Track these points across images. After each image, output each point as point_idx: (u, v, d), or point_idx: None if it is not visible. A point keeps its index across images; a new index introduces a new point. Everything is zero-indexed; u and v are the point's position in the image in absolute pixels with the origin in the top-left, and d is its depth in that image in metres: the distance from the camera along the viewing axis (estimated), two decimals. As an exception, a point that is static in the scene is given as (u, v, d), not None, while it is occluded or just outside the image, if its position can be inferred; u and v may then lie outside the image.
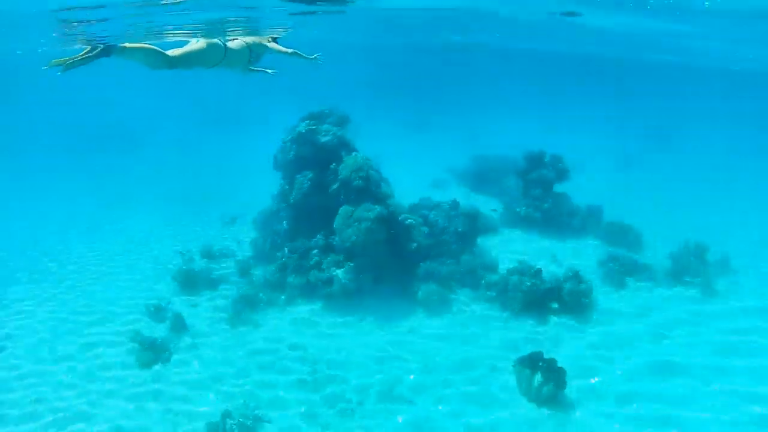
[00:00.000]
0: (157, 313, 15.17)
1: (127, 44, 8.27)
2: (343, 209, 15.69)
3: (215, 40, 9.94)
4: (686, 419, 11.70)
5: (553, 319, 15.55)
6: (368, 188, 15.95)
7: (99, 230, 23.64)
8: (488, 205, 24.10)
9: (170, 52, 9.01)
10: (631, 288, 17.66)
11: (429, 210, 19.06)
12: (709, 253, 18.92)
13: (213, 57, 9.95)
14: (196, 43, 9.62)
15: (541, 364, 12.48)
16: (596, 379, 13.01)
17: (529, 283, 15.67)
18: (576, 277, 16.23)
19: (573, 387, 12.35)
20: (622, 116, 51.23)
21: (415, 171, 29.70)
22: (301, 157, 17.46)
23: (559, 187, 22.24)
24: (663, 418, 11.72)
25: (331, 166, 16.82)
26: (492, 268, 17.77)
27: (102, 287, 17.69)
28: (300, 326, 14.81)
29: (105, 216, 25.50)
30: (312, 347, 13.84)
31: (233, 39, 10.65)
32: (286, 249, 16.50)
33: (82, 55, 7.73)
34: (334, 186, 16.45)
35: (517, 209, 21.90)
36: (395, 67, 63.76)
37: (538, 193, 21.78)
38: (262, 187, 21.33)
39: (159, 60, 8.76)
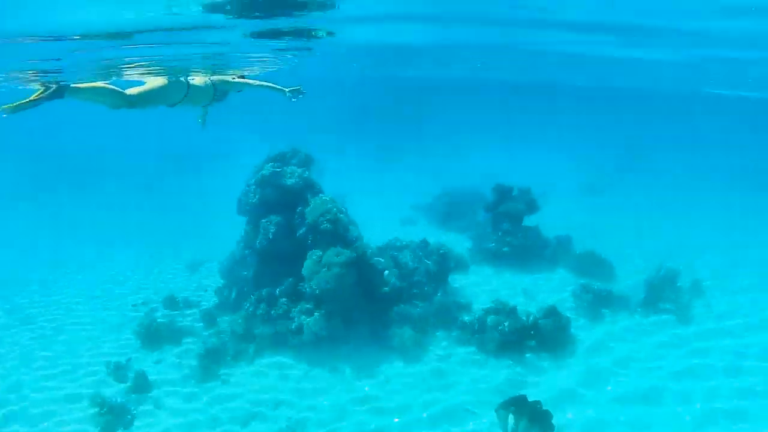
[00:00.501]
0: (117, 371, 14.28)
1: (81, 84, 7.92)
2: (312, 254, 15.14)
3: (177, 78, 9.62)
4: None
5: (532, 357, 15.16)
6: (337, 231, 15.42)
7: (61, 277, 22.56)
8: (458, 242, 23.82)
9: (129, 91, 8.64)
10: (607, 319, 17.48)
11: (398, 251, 18.60)
12: (680, 278, 18.91)
13: (175, 95, 9.61)
14: (157, 81, 9.29)
15: (524, 408, 12.02)
16: (583, 414, 12.63)
17: (506, 323, 15.25)
18: (552, 312, 15.88)
19: (559, 427, 11.91)
20: (584, 143, 51.52)
21: (383, 208, 29.37)
22: (266, 201, 16.91)
23: (528, 220, 21.95)
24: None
25: (298, 210, 16.30)
26: (466, 307, 17.38)
27: (65, 339, 16.85)
28: (271, 380, 14.12)
29: (67, 260, 24.49)
30: (284, 403, 13.20)
31: (196, 77, 10.32)
32: (252, 298, 15.85)
33: (34, 97, 7.33)
34: (302, 230, 15.92)
35: (487, 245, 21.54)
36: (359, 101, 63.68)
37: (508, 228, 21.49)
38: (227, 229, 20.64)
39: (117, 100, 8.40)
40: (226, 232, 21.12)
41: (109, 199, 35.20)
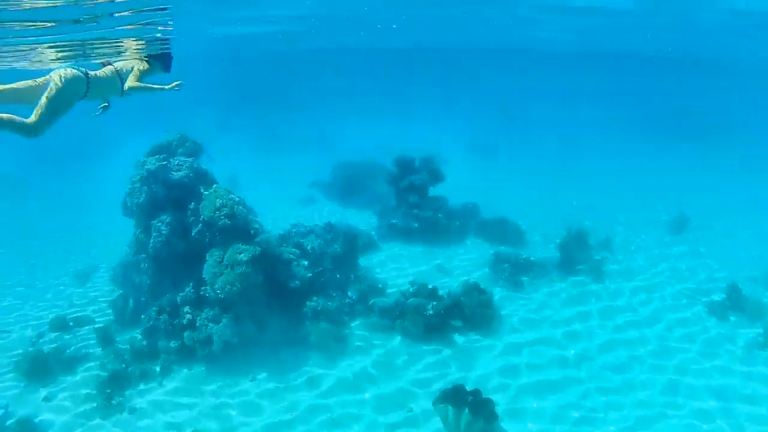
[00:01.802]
0: None
1: None
2: (211, 255, 13.71)
3: (74, 71, 8.27)
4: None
5: (459, 338, 14.47)
6: (236, 226, 14.00)
7: None
8: (363, 219, 22.86)
9: (28, 120, 7.58)
10: (528, 287, 17.27)
11: (303, 237, 17.40)
12: (591, 237, 18.70)
13: (76, 93, 8.34)
14: (50, 86, 7.99)
15: (464, 399, 11.21)
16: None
17: (427, 305, 14.38)
18: (474, 288, 15.16)
19: (501, 413, 11.23)
20: (467, 105, 51.40)
21: (279, 189, 28.03)
22: (154, 199, 15.20)
23: (433, 190, 21.14)
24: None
25: (191, 206, 14.71)
26: (381, 291, 16.46)
27: None
28: (184, 399, 12.66)
29: None
30: (204, 424, 11.83)
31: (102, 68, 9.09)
32: (152, 309, 14.27)
33: None
34: (197, 228, 14.40)
35: (394, 221, 20.59)
36: (237, 80, 61.15)
37: (414, 201, 20.56)
38: (115, 231, 18.81)
39: (20, 132, 7.56)
40: (115, 235, 19.33)
41: None
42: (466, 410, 10.92)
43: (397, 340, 14.38)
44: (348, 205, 25.90)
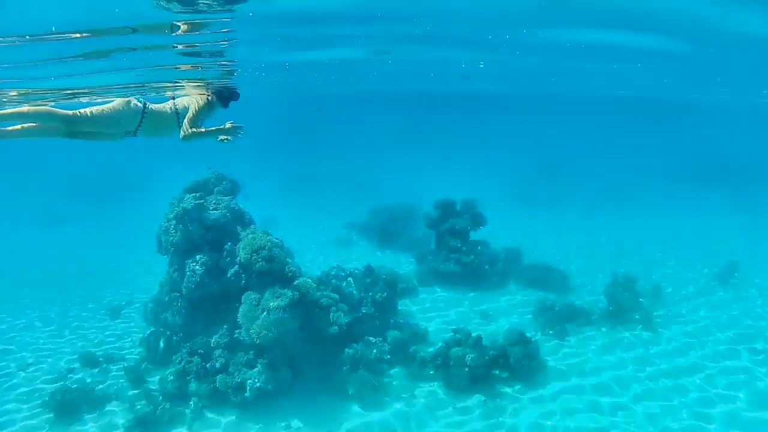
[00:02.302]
0: None
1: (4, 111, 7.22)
2: (247, 298, 13.18)
3: (130, 100, 7.98)
4: None
5: (505, 390, 13.66)
6: (273, 269, 13.48)
7: None
8: (401, 263, 22.28)
9: (68, 111, 7.58)
10: (574, 337, 16.42)
11: (341, 280, 16.79)
12: (638, 284, 17.91)
13: (127, 122, 7.99)
14: (107, 105, 7.89)
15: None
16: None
17: (471, 355, 13.62)
18: (519, 338, 14.39)
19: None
20: (505, 152, 50.80)
21: (315, 230, 27.54)
22: (190, 238, 14.79)
23: (474, 235, 20.50)
24: None
25: (227, 246, 14.25)
26: (422, 338, 15.81)
27: None
28: (213, 449, 12.06)
29: None
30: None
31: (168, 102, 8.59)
32: (184, 350, 13.72)
33: None
34: (233, 270, 13.92)
35: (435, 265, 19.95)
36: (275, 121, 61.28)
37: (455, 245, 19.91)
38: (151, 266, 18.35)
39: (55, 121, 7.52)
40: (149, 270, 18.90)
41: (12, 243, 31.32)
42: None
43: (440, 391, 13.63)
44: (385, 248, 25.35)
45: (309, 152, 54.02)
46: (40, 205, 37.38)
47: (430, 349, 14.94)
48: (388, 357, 14.56)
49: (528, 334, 14.83)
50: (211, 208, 14.96)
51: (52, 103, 8.33)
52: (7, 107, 7.47)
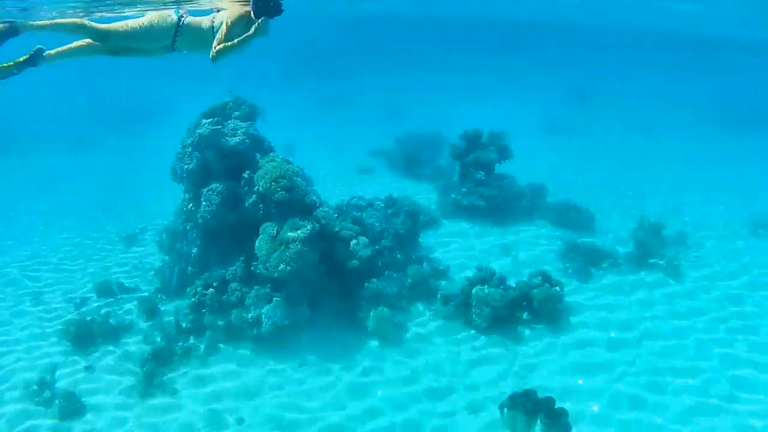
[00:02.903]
0: (40, 391, 11.32)
1: (39, 22, 7.23)
2: (265, 229, 12.66)
3: (166, 14, 7.62)
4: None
5: (527, 332, 13.25)
6: (293, 199, 12.90)
7: None
8: (424, 193, 21.69)
9: (101, 25, 7.44)
10: (597, 279, 15.81)
11: (361, 210, 16.29)
12: (666, 229, 17.31)
13: (160, 36, 7.68)
14: (142, 18, 7.62)
15: (535, 407, 10.02)
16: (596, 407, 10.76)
17: (495, 294, 13.13)
18: (544, 279, 13.87)
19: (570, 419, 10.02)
20: (538, 81, 49.27)
21: (337, 157, 26.94)
22: (206, 166, 14.24)
23: (500, 168, 19.80)
24: None
25: (245, 175, 13.66)
26: (443, 273, 15.33)
27: None
28: (228, 383, 11.72)
29: None
30: (246, 413, 10.88)
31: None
32: (199, 283, 13.30)
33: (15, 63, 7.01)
34: (250, 200, 13.37)
35: (459, 198, 19.31)
36: (300, 39, 59.69)
37: (480, 177, 19.24)
38: (167, 194, 17.88)
39: (87, 34, 7.41)
40: (165, 198, 18.46)
41: (31, 168, 30.86)
42: (538, 422, 9.76)
43: (461, 330, 13.22)
44: (409, 178, 24.68)
45: (334, 75, 52.71)
46: (63, 130, 36.91)
47: (452, 286, 14.52)
48: (409, 293, 14.13)
49: (552, 275, 14.31)
50: (228, 134, 14.32)
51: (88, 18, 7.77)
52: (41, 20, 7.27)
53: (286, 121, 25.55)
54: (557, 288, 13.72)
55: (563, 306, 13.74)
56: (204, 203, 13.65)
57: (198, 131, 14.24)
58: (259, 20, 7.67)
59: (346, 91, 44.46)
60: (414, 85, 48.21)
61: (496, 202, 18.93)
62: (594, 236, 18.24)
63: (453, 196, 19.57)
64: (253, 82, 30.73)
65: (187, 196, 14.79)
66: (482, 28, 53.82)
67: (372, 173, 26.07)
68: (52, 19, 7.59)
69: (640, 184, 24.49)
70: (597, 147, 30.99)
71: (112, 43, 7.51)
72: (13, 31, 7.04)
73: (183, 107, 23.51)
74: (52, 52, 7.32)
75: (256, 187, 13.07)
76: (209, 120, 14.54)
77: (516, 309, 13.45)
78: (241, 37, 7.58)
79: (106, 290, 15.50)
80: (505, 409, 10.27)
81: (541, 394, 10.18)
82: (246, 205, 13.39)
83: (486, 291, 13.26)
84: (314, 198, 13.41)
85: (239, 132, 14.38)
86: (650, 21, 33.88)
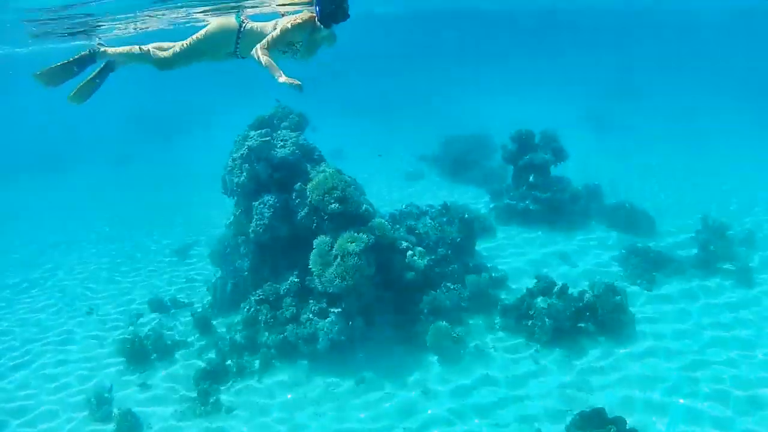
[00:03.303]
0: (98, 408, 11.33)
1: (109, 49, 7.71)
2: (319, 242, 12.33)
3: (228, 20, 7.66)
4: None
5: (590, 345, 12.64)
6: (347, 211, 12.56)
7: (24, 288, 18.29)
8: (476, 197, 21.23)
9: (161, 53, 7.75)
10: (663, 287, 15.00)
11: (416, 219, 15.90)
12: (731, 229, 16.55)
13: (222, 44, 7.73)
14: (203, 30, 7.78)
15: (607, 427, 9.50)
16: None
17: (558, 307, 12.62)
18: (608, 289, 13.24)
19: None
20: (582, 74, 48.24)
21: (386, 162, 26.57)
22: (256, 178, 13.95)
23: (554, 170, 19.24)
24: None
25: (296, 187, 13.36)
26: (502, 282, 14.87)
27: (29, 374, 13.16)
28: (284, 400, 11.45)
29: (31, 262, 20.33)
30: (303, 430, 10.57)
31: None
32: (252, 298, 13.06)
33: (62, 63, 7.40)
34: (303, 212, 13.07)
35: (513, 203, 18.82)
36: (344, 41, 59.43)
37: (534, 181, 18.70)
38: (217, 205, 17.78)
39: (152, 63, 7.80)
40: (215, 209, 18.36)
41: (80, 184, 31.06)
42: (609, 443, 9.27)
43: (522, 343, 12.72)
44: (458, 182, 24.25)
45: (379, 77, 52.39)
46: (107, 143, 37.31)
47: (511, 296, 14.06)
48: (467, 304, 13.69)
49: (614, 282, 13.69)
50: (278, 145, 14.06)
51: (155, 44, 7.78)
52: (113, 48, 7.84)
53: (332, 126, 25.34)
54: (621, 297, 13.12)
55: (628, 317, 13.10)
56: (256, 217, 13.39)
57: (247, 143, 13.99)
58: (321, 26, 7.42)
59: (389, 95, 44.07)
60: (452, 84, 47.70)
61: (551, 206, 18.38)
62: (655, 239, 17.55)
63: (507, 201, 19.07)
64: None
65: (238, 209, 14.52)
66: (513, 18, 52.74)
67: (420, 178, 25.72)
68: (116, 47, 7.93)
69: (697, 180, 23.61)
70: (645, 141, 29.95)
71: (178, 67, 7.72)
72: (91, 58, 7.60)
73: (227, 117, 23.51)
74: (111, 49, 7.82)
75: (308, 199, 12.77)
76: (258, 132, 14.28)
77: (579, 320, 12.91)
78: (271, 64, 7.34)
79: (159, 305, 15.55)
80: (574, 429, 9.78)
81: (608, 412, 9.66)
82: (298, 217, 13.11)
83: (547, 302, 12.74)
84: (368, 208, 13.06)
85: (289, 143, 14.10)
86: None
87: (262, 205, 13.42)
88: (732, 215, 18.42)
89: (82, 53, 7.78)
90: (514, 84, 46.29)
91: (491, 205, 20.06)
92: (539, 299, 12.93)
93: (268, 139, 14.01)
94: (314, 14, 7.50)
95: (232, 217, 14.80)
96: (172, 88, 42.75)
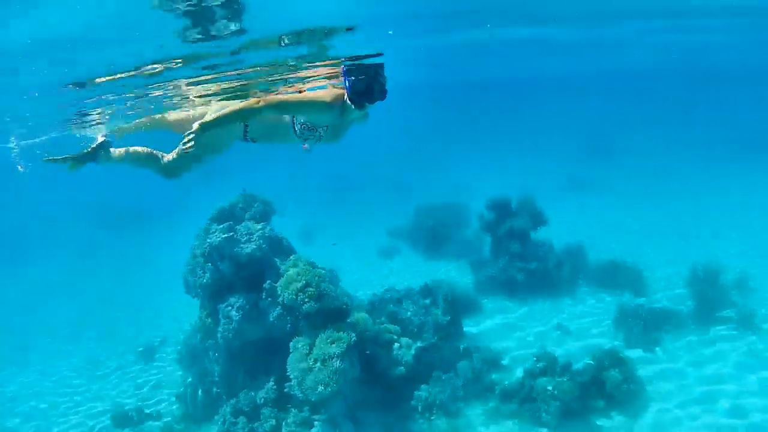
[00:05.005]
0: None
1: (117, 151, 6.90)
2: (296, 345, 11.15)
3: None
4: None
5: (603, 422, 11.56)
6: (323, 308, 11.40)
7: None
8: (457, 273, 20.31)
9: (167, 157, 6.78)
10: (665, 346, 14.17)
11: (396, 304, 14.79)
12: (722, 274, 15.78)
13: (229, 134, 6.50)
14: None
15: None
16: None
17: (563, 386, 11.56)
18: (613, 359, 12.26)
19: None
20: (555, 136, 48.36)
21: (357, 239, 25.59)
22: (221, 279, 12.81)
23: (534, 235, 18.42)
24: None
25: (266, 286, 12.22)
26: (497, 363, 13.80)
27: None
28: None
29: None
30: None
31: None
32: (227, 409, 11.79)
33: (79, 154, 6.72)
34: (275, 312, 11.90)
35: (495, 274, 17.89)
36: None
37: (516, 250, 17.82)
38: (184, 301, 16.56)
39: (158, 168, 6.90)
40: (184, 305, 17.17)
41: (35, 280, 29.63)
42: None
43: (529, 430, 11.57)
44: (434, 257, 23.25)
45: (341, 150, 51.78)
46: (69, 235, 36.03)
47: (508, 377, 13.03)
48: (463, 392, 12.55)
49: (613, 347, 13.07)
50: (242, 240, 12.97)
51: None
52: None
53: (299, 205, 24.50)
54: (627, 366, 12.13)
55: (638, 386, 12.10)
56: (223, 321, 12.22)
57: (208, 240, 12.89)
58: (352, 104, 6.12)
59: (354, 169, 43.46)
60: (423, 154, 47.34)
61: (536, 275, 17.50)
62: (647, 294, 16.94)
63: (489, 272, 18.16)
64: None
65: (203, 311, 13.33)
66: (482, 88, 53.08)
67: (394, 255, 24.68)
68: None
69: (677, 231, 23.04)
70: (621, 199, 29.62)
71: (186, 170, 6.84)
72: (93, 155, 6.77)
73: (193, 207, 22.57)
74: (116, 152, 6.93)
75: (280, 298, 11.63)
76: (220, 227, 13.18)
77: (588, 398, 11.83)
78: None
79: (124, 419, 14.12)
80: None
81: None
82: (271, 318, 11.95)
83: (551, 383, 11.68)
84: (346, 301, 11.94)
85: (254, 236, 13.02)
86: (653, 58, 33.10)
87: (229, 308, 12.26)
88: (719, 261, 17.62)
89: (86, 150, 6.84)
90: (486, 152, 46.19)
91: (473, 278, 19.05)
92: (541, 380, 11.87)
93: (231, 234, 12.92)
94: (343, 90, 6.15)
95: (198, 320, 13.57)
96: (135, 178, 41.44)
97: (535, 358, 12.63)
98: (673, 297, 16.62)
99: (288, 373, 11.00)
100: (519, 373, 12.72)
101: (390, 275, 20.86)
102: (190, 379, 14.36)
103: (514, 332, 15.64)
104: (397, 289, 15.62)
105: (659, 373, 13.00)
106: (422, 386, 12.01)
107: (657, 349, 14.01)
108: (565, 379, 11.80)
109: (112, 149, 6.86)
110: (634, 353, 13.65)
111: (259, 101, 5.82)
